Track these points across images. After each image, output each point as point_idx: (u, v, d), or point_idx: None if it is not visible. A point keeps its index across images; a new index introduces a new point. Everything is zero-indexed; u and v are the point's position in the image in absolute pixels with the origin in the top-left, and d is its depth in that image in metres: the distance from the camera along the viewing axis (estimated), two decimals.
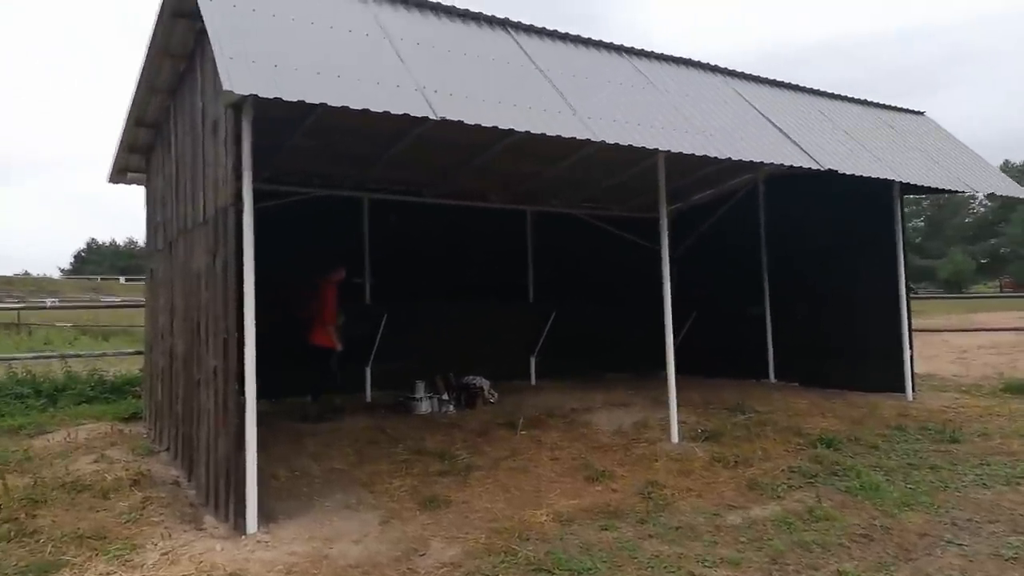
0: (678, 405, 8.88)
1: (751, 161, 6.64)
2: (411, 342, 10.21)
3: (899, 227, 9.63)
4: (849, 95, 9.93)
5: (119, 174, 9.32)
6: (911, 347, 9.62)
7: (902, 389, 9.57)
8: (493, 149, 8.70)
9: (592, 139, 5.59)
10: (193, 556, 4.69)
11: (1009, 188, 9.70)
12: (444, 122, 5.08)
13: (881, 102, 10.37)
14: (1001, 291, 58.20)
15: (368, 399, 10.13)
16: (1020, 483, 5.80)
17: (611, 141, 5.71)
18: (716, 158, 6.43)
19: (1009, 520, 4.99)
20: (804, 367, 10.84)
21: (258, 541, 4.94)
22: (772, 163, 6.67)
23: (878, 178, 7.67)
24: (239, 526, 5.09)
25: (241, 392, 5.23)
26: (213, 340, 5.73)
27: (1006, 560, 4.33)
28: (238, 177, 5.28)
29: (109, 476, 6.36)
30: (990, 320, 23.70)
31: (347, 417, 8.69)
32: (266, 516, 5.30)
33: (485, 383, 9.64)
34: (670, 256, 12.75)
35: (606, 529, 5.06)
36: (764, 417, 8.36)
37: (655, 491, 5.84)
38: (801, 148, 7.10)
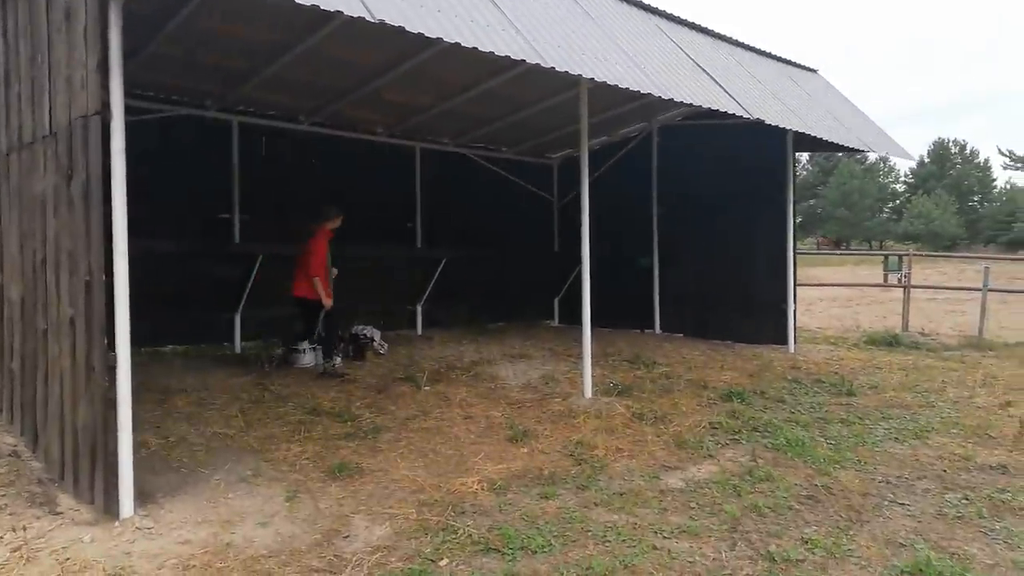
0: (576, 358, 8.68)
1: (682, 102, 6.27)
2: (287, 287, 9.16)
3: (791, 181, 9.81)
4: (752, 45, 9.86)
5: None
6: (795, 301, 9.94)
7: (785, 341, 9.90)
8: (395, 71, 7.78)
9: (540, 63, 4.93)
10: (55, 551, 3.75)
11: (899, 151, 10.13)
12: (347, 35, 4.23)
13: (777, 55, 10.43)
14: (819, 248, 64.13)
15: (238, 350, 9.04)
16: (927, 436, 6.01)
17: (557, 67, 5.08)
18: (648, 95, 5.99)
19: (936, 476, 5.10)
20: (690, 318, 10.97)
21: (137, 528, 4.05)
22: (705, 106, 6.36)
23: (775, 130, 7.55)
24: (110, 509, 4.17)
25: (111, 347, 4.23)
26: (68, 282, 4.61)
27: (952, 519, 4.37)
28: (105, 79, 4.17)
29: None
30: (824, 275, 25.73)
31: (218, 371, 7.64)
32: (142, 494, 4.39)
33: (376, 333, 8.86)
34: (556, 204, 12.49)
35: (546, 497, 4.63)
36: (666, 370, 8.28)
37: (584, 452, 5.49)
38: (730, 95, 6.84)
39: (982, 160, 72.50)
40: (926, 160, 73.57)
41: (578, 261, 12.22)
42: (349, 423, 6.05)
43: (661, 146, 11.27)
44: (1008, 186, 70.49)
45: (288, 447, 5.44)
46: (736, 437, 5.95)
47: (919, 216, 63.87)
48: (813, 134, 7.96)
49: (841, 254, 47.19)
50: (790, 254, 9.88)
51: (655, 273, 11.35)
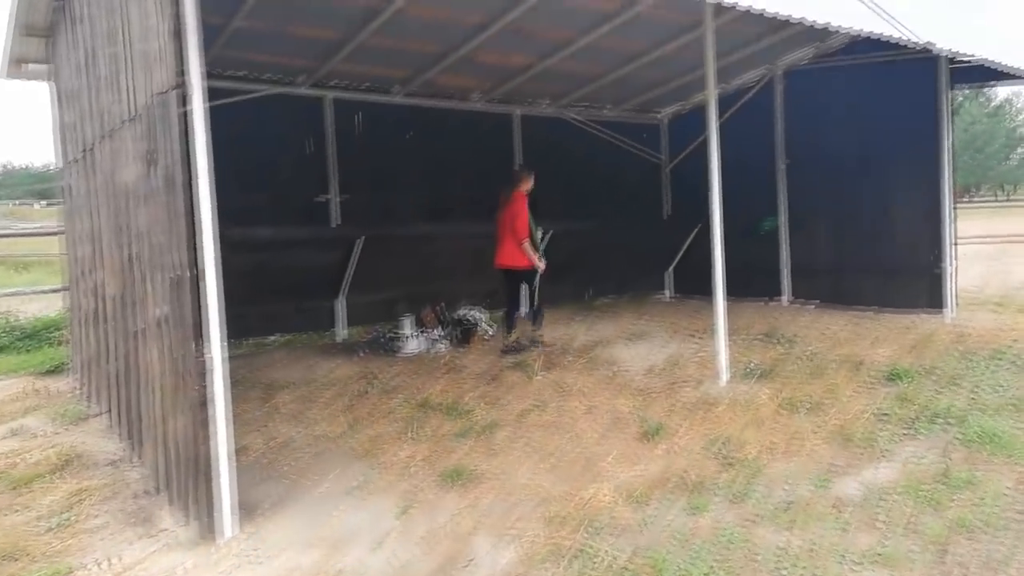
0: (701, 335, 7.83)
1: (833, 29, 5.28)
2: (389, 269, 8.76)
3: (946, 124, 8.48)
4: None
5: (15, 66, 7.37)
6: (954, 260, 8.66)
7: (941, 307, 8.67)
8: (488, 31, 7.10)
9: None
10: None
11: None
12: None
13: None
14: None
15: (341, 338, 8.73)
16: None
17: None
18: (783, 25, 5.04)
19: None
20: (825, 284, 9.83)
21: (240, 551, 3.64)
22: (864, 33, 5.34)
23: (923, 64, 6.37)
24: (211, 528, 3.77)
25: (203, 349, 3.82)
26: (157, 280, 4.24)
27: None
28: (179, 48, 3.69)
29: (27, 458, 4.91)
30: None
31: (323, 361, 7.31)
32: (245, 507, 4.00)
33: (482, 315, 8.34)
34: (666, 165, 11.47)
35: (696, 511, 3.92)
36: (809, 347, 7.32)
37: (732, 451, 4.72)
38: (885, 17, 5.75)
39: None
40: None
41: (691, 227, 11.37)
42: (461, 419, 5.52)
43: (786, 93, 10.08)
44: None
45: (398, 449, 4.96)
46: (912, 429, 5.02)
47: None
48: (984, 62, 6.70)
49: (975, 204, 43.20)
50: (946, 208, 8.58)
51: (783, 235, 10.24)
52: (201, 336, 3.80)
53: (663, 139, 11.81)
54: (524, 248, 7.50)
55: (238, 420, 5.48)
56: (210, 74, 7.65)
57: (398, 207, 9.34)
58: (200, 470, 3.81)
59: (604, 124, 11.01)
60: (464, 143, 9.83)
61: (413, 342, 7.71)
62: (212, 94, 7.50)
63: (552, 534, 3.71)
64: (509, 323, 7.72)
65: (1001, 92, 65.35)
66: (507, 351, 7.49)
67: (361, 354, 7.62)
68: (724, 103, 10.42)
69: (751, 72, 10.26)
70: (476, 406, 5.80)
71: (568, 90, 9.94)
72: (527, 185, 7.70)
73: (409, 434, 5.22)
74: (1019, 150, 66.90)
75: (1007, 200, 48.96)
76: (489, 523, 3.88)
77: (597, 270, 11.05)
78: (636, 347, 7.57)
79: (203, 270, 3.82)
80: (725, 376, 6.16)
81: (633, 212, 11.59)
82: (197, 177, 3.77)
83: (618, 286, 11.65)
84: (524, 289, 7.79)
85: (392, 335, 7.80)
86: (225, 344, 3.86)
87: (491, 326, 8.38)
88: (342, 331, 8.75)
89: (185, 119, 3.75)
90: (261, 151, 8.20)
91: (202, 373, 3.77)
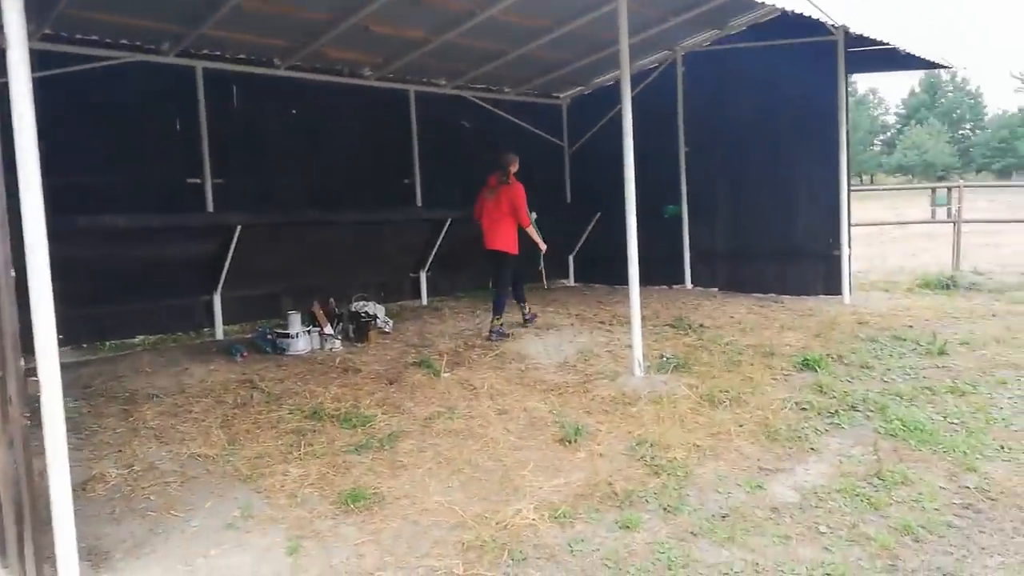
0: (610, 325, 7.57)
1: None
2: (271, 261, 7.94)
3: (844, 106, 8.55)
4: None
5: None
6: (850, 244, 8.79)
7: (838, 291, 8.80)
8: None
9: None
10: None
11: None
12: None
13: None
14: None
15: (220, 336, 7.84)
16: None
17: None
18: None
19: None
20: (725, 270, 9.84)
21: None
22: (779, 5, 5.10)
23: (822, 48, 6.33)
24: None
25: (32, 371, 3.06)
26: None
27: None
28: None
29: None
30: None
31: (196, 366, 6.45)
32: (94, 554, 3.30)
33: (379, 309, 7.68)
34: (567, 149, 11.17)
35: (628, 527, 3.54)
36: (717, 334, 7.16)
37: (657, 453, 4.39)
38: None
39: (973, 88, 70.90)
40: (917, 90, 71.98)
41: (592, 212, 11.14)
42: (359, 429, 4.91)
43: (687, 76, 9.95)
44: (1001, 112, 69.16)
45: (286, 469, 4.30)
46: (835, 420, 4.87)
47: (912, 147, 62.62)
48: (880, 46, 6.69)
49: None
50: (843, 192, 8.69)
51: (684, 221, 10.15)
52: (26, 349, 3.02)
53: (564, 122, 11.48)
54: (531, 232, 7.62)
55: (90, 442, 4.68)
56: (52, 37, 6.68)
57: (281, 192, 8.53)
58: (29, 516, 3.05)
59: (504, 105, 10.54)
60: (355, 122, 9.13)
61: (302, 340, 6.97)
62: (54, 60, 6.52)
63: (470, 566, 3.22)
64: (498, 307, 7.42)
65: (862, 85, 70.23)
66: (493, 335, 7.26)
67: (241, 356, 6.81)
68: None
69: (652, 55, 10.08)
70: (376, 413, 5.20)
71: (467, 68, 9.39)
72: (515, 168, 7.54)
73: (299, 450, 4.56)
74: (880, 138, 72.12)
75: (871, 187, 52.44)
76: (396, 556, 3.34)
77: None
78: (545, 339, 7.17)
79: (31, 270, 3.05)
80: (640, 368, 5.85)
81: (534, 196, 11.19)
82: (21, 157, 2.98)
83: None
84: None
85: (278, 333, 7.02)
86: (56, 359, 3.09)
87: (388, 321, 7.75)
88: (219, 330, 7.86)
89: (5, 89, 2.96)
90: (120, 127, 7.22)
91: (27, 394, 3.00)
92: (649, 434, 4.67)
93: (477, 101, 10.12)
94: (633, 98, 10.08)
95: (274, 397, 5.58)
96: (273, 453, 4.54)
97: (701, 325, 7.53)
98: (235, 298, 8.03)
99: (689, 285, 10.20)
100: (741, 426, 4.79)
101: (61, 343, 6.59)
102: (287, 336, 6.97)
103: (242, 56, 7.90)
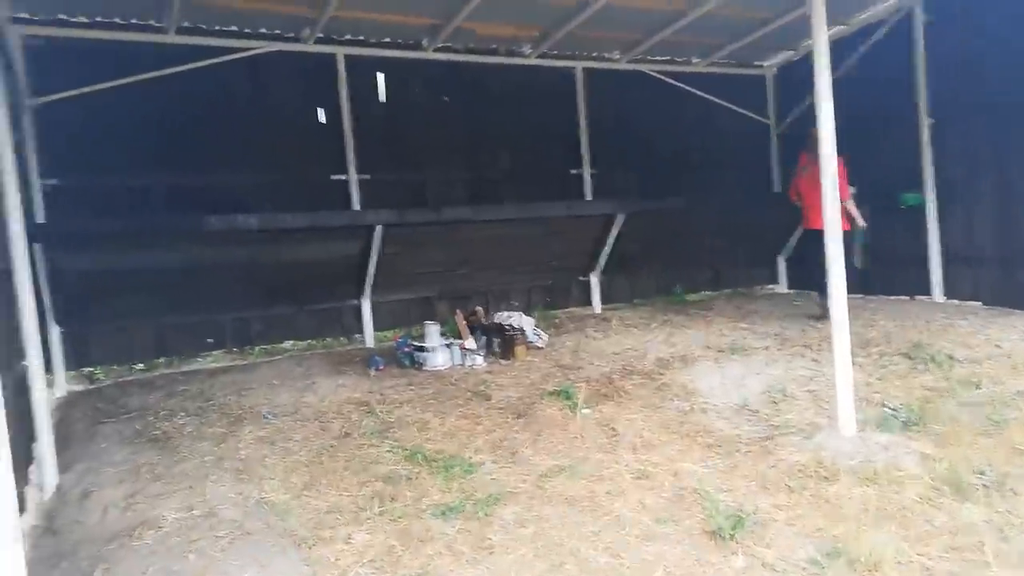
0: (819, 349, 5.90)
1: None
2: (421, 263, 7.30)
3: None
4: None
5: None
6: None
7: None
8: None
9: None
10: None
11: None
12: None
13: None
14: None
15: (369, 343, 7.34)
16: None
17: None
18: None
19: None
20: (990, 279, 7.51)
21: None
22: None
23: None
24: None
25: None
26: None
27: None
28: None
29: None
30: None
31: (324, 381, 5.91)
32: None
33: (527, 321, 6.69)
34: (774, 128, 9.45)
35: None
36: (973, 372, 5.21)
37: (852, 574, 2.89)
38: None
39: None
40: None
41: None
42: (457, 482, 3.93)
43: (932, 30, 7.74)
44: None
45: (351, 534, 3.43)
46: None
47: None
48: None
49: None
50: None
51: (930, 213, 7.94)
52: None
53: (769, 96, 9.66)
54: (849, 207, 6.99)
55: (169, 473, 4.18)
56: (189, 29, 6.52)
57: (433, 187, 7.88)
58: None
59: (693, 80, 9.01)
60: (514, 107, 8.25)
61: (440, 355, 6.19)
62: (187, 54, 6.14)
63: None
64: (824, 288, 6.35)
65: None
66: (819, 318, 7.07)
67: (377, 369, 6.19)
68: (845, 46, 8.21)
69: (878, 4, 8.00)
70: (484, 460, 4.19)
71: (642, 37, 8.05)
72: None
73: (377, 507, 3.68)
74: None
75: None
76: None
77: (688, 259, 9.15)
78: (727, 368, 5.69)
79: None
80: (850, 424, 4.23)
81: (733, 187, 9.59)
82: None
83: (715, 278, 9.71)
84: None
85: (415, 346, 6.30)
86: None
87: (540, 335, 6.72)
88: (369, 336, 7.36)
89: None
90: (261, 120, 6.96)
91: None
92: (848, 536, 3.15)
93: (658, 76, 8.71)
94: (859, 60, 8.15)
95: (383, 427, 4.80)
96: (347, 508, 3.70)
97: (950, 357, 5.57)
98: (387, 302, 7.52)
99: (939, 297, 7.97)
100: (1005, 537, 3.09)
101: (211, 347, 6.44)
102: (423, 349, 6.22)
103: (387, 40, 7.30)
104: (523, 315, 6.74)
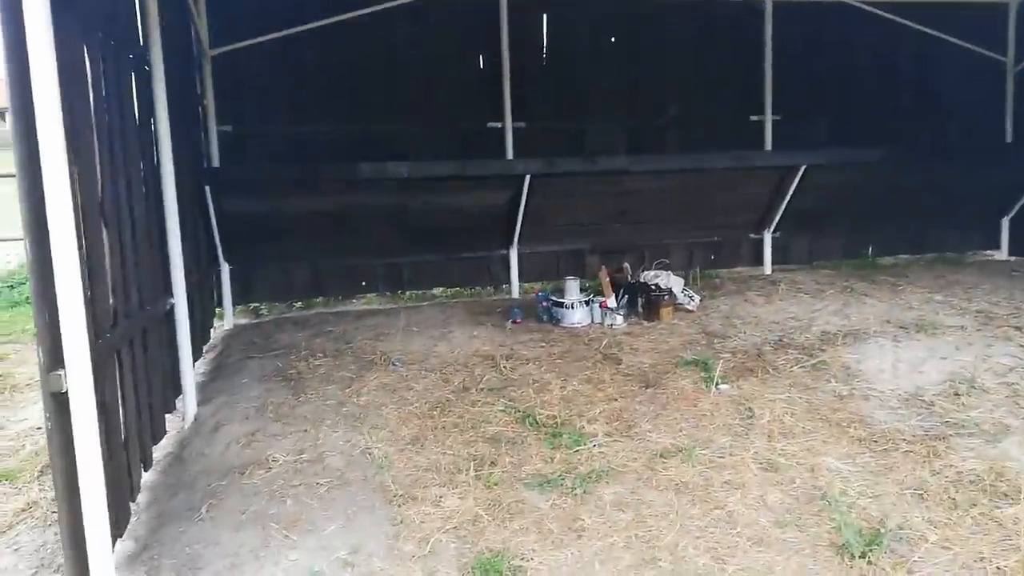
0: None
1: None
2: (574, 214, 6.99)
3: None
4: None
5: None
6: None
7: None
8: None
9: None
10: None
11: None
12: None
13: None
14: None
15: (515, 294, 7.22)
16: None
17: None
18: None
19: None
20: None
21: None
22: None
23: None
24: None
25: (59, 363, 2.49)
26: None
27: None
28: None
29: None
30: None
31: (460, 330, 5.87)
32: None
33: (676, 281, 6.17)
34: (1011, 67, 7.94)
35: None
36: None
37: None
38: None
39: None
40: None
41: None
42: (563, 452, 3.67)
43: None
44: None
45: (441, 496, 3.32)
46: None
47: None
48: None
49: None
50: None
51: None
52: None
53: (1010, 29, 8.03)
54: None
55: (292, 414, 4.32)
56: None
57: (594, 135, 7.47)
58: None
59: (909, 11, 7.69)
60: (688, 48, 7.56)
61: (578, 312, 5.89)
62: (352, 3, 6.09)
63: None
64: None
65: None
66: None
67: (514, 322, 6.04)
68: None
69: None
70: (598, 431, 3.88)
71: None
72: None
73: (472, 471, 3.54)
74: None
75: None
76: None
77: (884, 218, 8.01)
78: (905, 348, 4.86)
79: (52, 238, 2.44)
80: None
81: (948, 135, 8.22)
82: (37, 91, 2.35)
83: (916, 241, 8.45)
84: None
85: (553, 301, 6.05)
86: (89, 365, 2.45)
87: (692, 297, 6.17)
88: (516, 287, 7.22)
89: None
90: (418, 71, 6.94)
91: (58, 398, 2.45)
92: (1019, 573, 2.50)
93: (865, 7, 7.50)
94: None
95: (502, 384, 4.64)
96: (446, 467, 3.59)
97: None
98: (536, 254, 7.33)
99: None
100: None
101: (365, 288, 6.66)
102: (561, 305, 5.96)
103: None
104: (671, 274, 6.22)
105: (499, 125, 6.99)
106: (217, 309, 6.58)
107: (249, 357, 5.43)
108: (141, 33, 4.10)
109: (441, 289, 7.40)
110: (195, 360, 5.36)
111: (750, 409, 4.04)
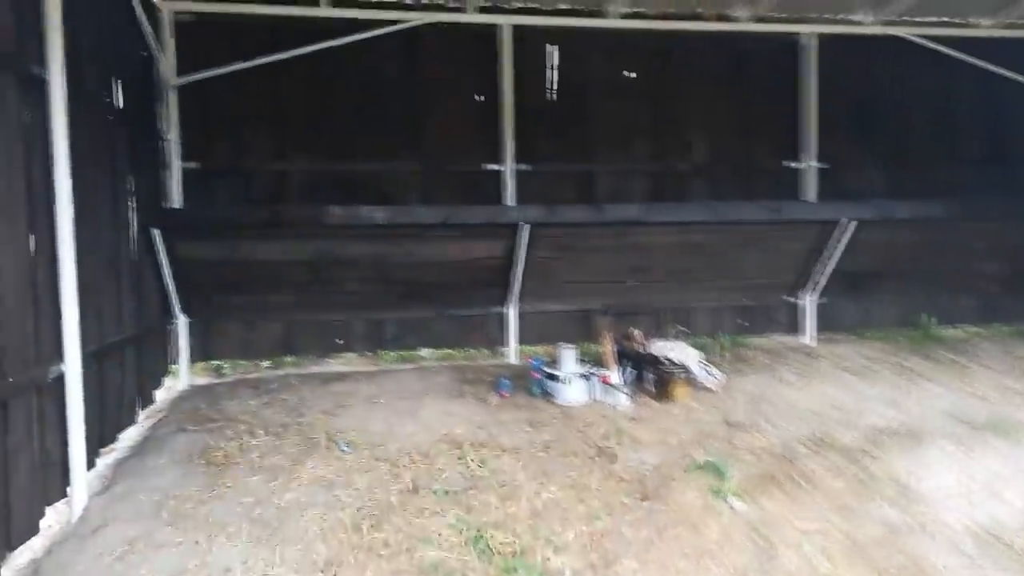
0: None
1: None
2: (581, 270, 6.11)
3: None
4: None
5: None
6: None
7: None
8: None
9: None
10: None
11: None
12: None
13: None
14: None
15: (513, 359, 6.33)
16: None
17: None
18: None
19: None
20: None
21: None
22: None
23: None
24: None
25: None
26: None
27: None
28: None
29: None
30: None
31: (432, 404, 4.99)
32: None
33: (692, 355, 5.18)
34: None
35: None
36: None
37: None
38: None
39: None
40: None
41: None
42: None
43: None
44: None
45: None
46: None
47: None
48: None
49: None
50: None
51: None
52: None
53: None
54: None
55: (189, 519, 3.43)
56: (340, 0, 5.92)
57: (604, 178, 6.64)
58: None
59: (974, 46, 6.74)
60: (713, 84, 6.71)
61: (575, 387, 4.97)
62: (337, 29, 5.64)
63: None
64: None
65: None
66: None
67: (501, 395, 5.15)
68: None
69: None
70: (566, 567, 2.94)
71: None
72: None
73: None
74: None
75: None
76: None
77: (946, 281, 6.93)
78: (977, 457, 3.81)
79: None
80: None
81: (1021, 187, 7.16)
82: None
83: (984, 308, 7.33)
84: None
85: (547, 372, 5.14)
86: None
87: (712, 374, 5.19)
88: (513, 350, 6.33)
89: None
90: (410, 104, 6.26)
91: None
92: None
93: (923, 42, 6.57)
94: None
95: (462, 486, 3.72)
96: None
97: None
98: (538, 313, 6.45)
99: None
100: None
101: (343, 347, 5.85)
102: (555, 378, 5.04)
103: (562, 6, 6.15)
104: (688, 346, 5.25)
105: (498, 167, 6.21)
106: (173, 366, 5.84)
107: (182, 430, 4.63)
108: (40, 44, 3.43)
109: (429, 350, 6.54)
110: (120, 431, 4.62)
111: (770, 543, 3.05)
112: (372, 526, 3.31)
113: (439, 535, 3.21)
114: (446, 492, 3.64)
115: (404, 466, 3.97)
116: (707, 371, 5.15)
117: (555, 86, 6.52)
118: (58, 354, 3.53)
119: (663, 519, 3.31)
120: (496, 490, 3.65)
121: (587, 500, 3.53)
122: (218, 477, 3.85)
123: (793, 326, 6.85)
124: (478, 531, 3.22)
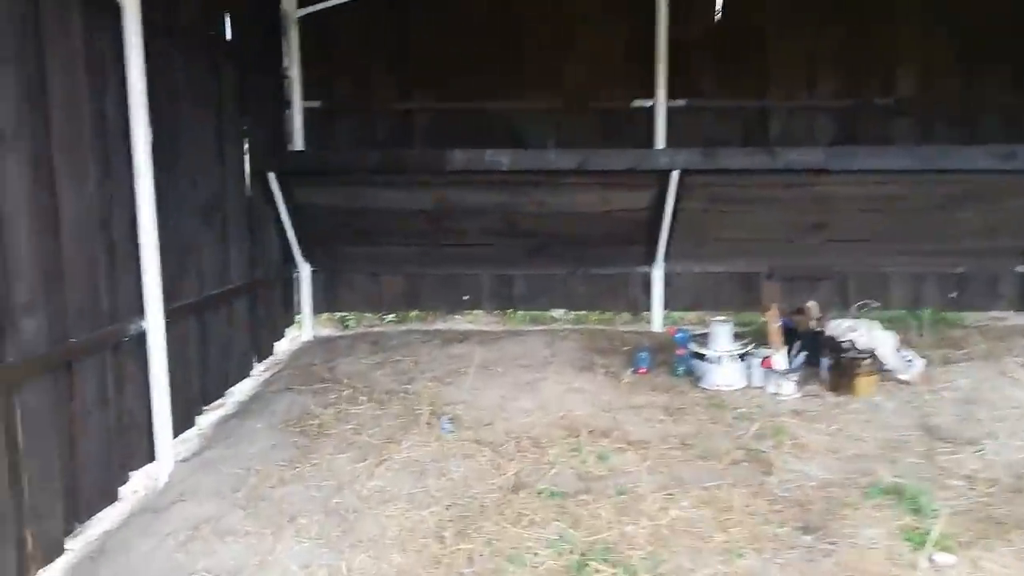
0: None
1: None
2: (742, 225, 5.16)
3: None
4: None
5: None
6: None
7: None
8: None
9: None
10: None
11: None
12: None
13: None
14: None
15: (656, 327, 5.53)
16: None
17: None
18: None
19: None
20: None
21: None
22: None
23: None
24: None
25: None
26: None
27: None
28: None
29: None
30: None
31: (555, 378, 4.34)
32: None
33: (886, 339, 4.09)
34: None
35: None
36: None
37: None
38: None
39: None
40: None
41: None
42: None
43: None
44: None
45: None
46: None
47: None
48: None
49: None
50: None
51: None
52: None
53: None
54: None
55: (262, 503, 3.03)
56: None
57: (780, 116, 5.53)
58: None
59: None
60: None
61: (727, 369, 4.11)
62: None
63: None
64: None
65: None
66: None
67: (635, 372, 4.41)
68: None
69: None
70: None
71: None
72: None
73: None
74: None
75: None
76: None
77: None
78: None
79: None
80: None
81: None
82: None
83: None
84: None
85: (694, 351, 4.31)
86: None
87: (910, 362, 4.10)
88: (657, 316, 5.53)
89: None
90: (545, 34, 5.49)
91: None
92: None
93: None
94: None
95: (576, 488, 3.06)
96: None
97: None
98: (690, 275, 5.60)
99: None
100: None
101: (469, 303, 5.41)
102: (703, 358, 4.21)
103: None
104: (878, 329, 4.16)
105: (648, 103, 5.32)
106: (298, 317, 5.64)
107: (288, 388, 4.36)
108: None
109: (561, 311, 5.89)
110: (229, 386, 4.42)
111: None
112: (458, 533, 2.75)
113: (535, 556, 2.59)
114: (552, 494, 3.01)
115: (508, 456, 3.38)
116: (906, 358, 4.07)
117: (722, 5, 5.46)
118: (139, 310, 3.25)
119: (829, 567, 2.47)
120: (612, 499, 2.96)
121: (728, 525, 2.74)
122: (307, 452, 3.47)
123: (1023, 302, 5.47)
124: (583, 555, 2.57)
